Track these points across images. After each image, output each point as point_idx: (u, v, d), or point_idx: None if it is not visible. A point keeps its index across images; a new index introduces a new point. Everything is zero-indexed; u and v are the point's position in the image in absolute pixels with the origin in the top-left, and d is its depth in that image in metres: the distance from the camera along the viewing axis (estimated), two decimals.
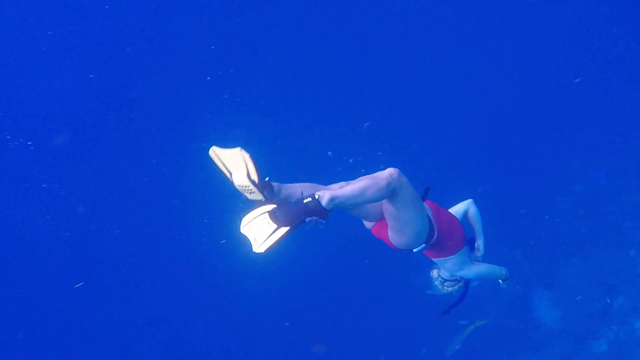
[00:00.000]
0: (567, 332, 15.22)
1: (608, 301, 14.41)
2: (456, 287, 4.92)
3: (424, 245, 4.09)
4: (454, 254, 4.47)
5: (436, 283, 4.98)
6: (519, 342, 16.18)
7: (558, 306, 16.30)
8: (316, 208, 3.07)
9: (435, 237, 4.13)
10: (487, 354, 16.85)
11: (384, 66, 20.55)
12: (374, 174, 3.41)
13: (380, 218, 4.04)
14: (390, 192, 3.44)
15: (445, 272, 4.83)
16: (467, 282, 4.88)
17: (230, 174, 3.19)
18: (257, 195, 3.20)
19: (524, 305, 17.26)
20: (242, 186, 3.18)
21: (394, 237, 3.98)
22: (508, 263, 5.32)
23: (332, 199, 3.10)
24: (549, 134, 19.43)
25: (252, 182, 3.11)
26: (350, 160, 17.33)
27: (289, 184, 3.54)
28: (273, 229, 2.99)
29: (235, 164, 3.15)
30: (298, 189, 3.44)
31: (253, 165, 3.12)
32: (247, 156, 3.11)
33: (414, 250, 4.13)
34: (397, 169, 3.47)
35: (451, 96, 20.50)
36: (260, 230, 3.02)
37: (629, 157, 17.83)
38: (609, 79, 19.55)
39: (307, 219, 3.07)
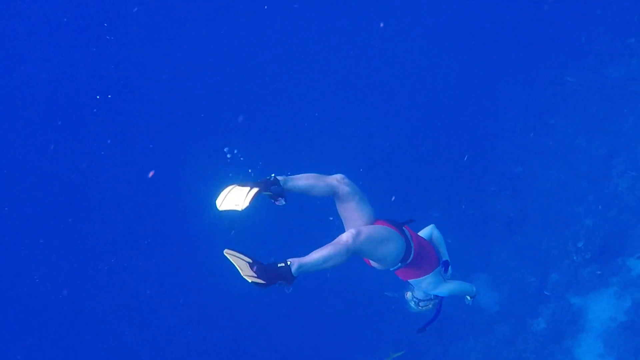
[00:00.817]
0: (506, 313, 15.38)
1: (546, 293, 14.59)
2: (430, 305, 5.18)
3: (399, 264, 4.44)
4: (429, 273, 4.76)
5: (411, 304, 5.22)
6: (460, 329, 16.24)
7: (495, 288, 16.48)
8: (286, 274, 3.33)
9: (411, 257, 4.43)
10: (430, 343, 16.86)
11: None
12: (334, 241, 3.75)
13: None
14: (352, 255, 3.79)
15: (419, 292, 5.08)
16: (440, 300, 5.15)
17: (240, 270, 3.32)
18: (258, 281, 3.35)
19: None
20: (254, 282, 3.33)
21: (373, 264, 4.46)
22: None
23: (299, 267, 3.39)
24: (475, 127, 19.92)
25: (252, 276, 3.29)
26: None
27: (294, 177, 3.86)
28: (252, 279, 3.26)
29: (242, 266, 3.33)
30: (303, 181, 3.87)
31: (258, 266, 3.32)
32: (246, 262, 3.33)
33: (391, 269, 4.53)
34: (351, 232, 3.80)
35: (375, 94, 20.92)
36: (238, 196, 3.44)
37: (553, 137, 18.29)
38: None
39: (278, 282, 3.34)
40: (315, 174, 4.00)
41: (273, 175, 3.71)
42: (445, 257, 5.14)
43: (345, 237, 3.76)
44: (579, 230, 14.74)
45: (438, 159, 20.07)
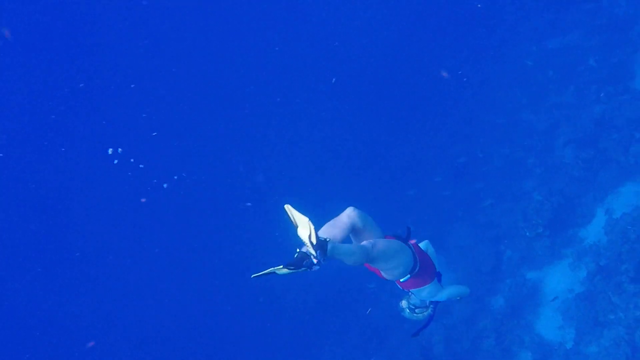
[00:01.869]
0: None
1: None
2: (426, 313, 5.53)
3: (408, 275, 4.82)
4: (429, 283, 5.11)
5: (406, 311, 5.59)
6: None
7: (451, 269, 16.37)
8: (324, 247, 3.76)
9: (417, 268, 4.83)
10: (391, 326, 16.69)
11: None
12: (361, 244, 4.31)
13: None
14: (370, 260, 4.31)
15: (415, 299, 5.43)
16: (435, 308, 5.51)
17: (297, 226, 3.70)
18: (310, 250, 3.71)
19: None
20: (303, 240, 3.70)
21: (385, 275, 4.79)
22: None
23: (333, 247, 3.85)
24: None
25: (311, 243, 3.66)
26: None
27: (341, 245, 4.07)
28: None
29: (302, 223, 3.68)
30: (345, 249, 4.07)
31: (315, 234, 3.67)
32: (312, 227, 3.67)
33: (401, 280, 4.87)
34: (370, 241, 4.29)
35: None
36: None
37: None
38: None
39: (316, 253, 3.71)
40: (330, 223, 4.37)
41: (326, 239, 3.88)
42: (438, 268, 5.39)
43: (367, 243, 4.23)
44: (529, 205, 14.64)
45: (385, 144, 20.04)
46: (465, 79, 19.44)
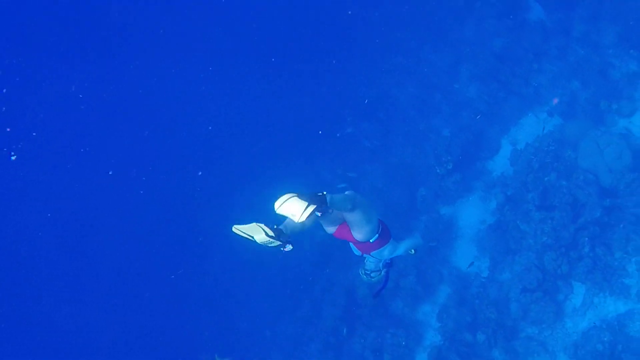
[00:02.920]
0: (387, 235, 15.37)
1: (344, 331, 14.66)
2: (381, 274, 5.96)
3: (377, 235, 5.21)
4: (390, 240, 5.56)
5: (364, 277, 6.04)
6: (339, 261, 16.17)
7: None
8: (323, 201, 4.34)
9: (380, 228, 5.28)
10: (315, 274, 16.77)
11: None
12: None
13: (340, 223, 5.11)
14: (354, 206, 4.74)
15: (370, 264, 5.86)
16: (387, 269, 5.94)
17: (252, 237, 4.18)
18: (276, 243, 4.22)
19: None
20: (264, 242, 4.21)
21: (357, 235, 5.08)
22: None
23: (331, 198, 4.44)
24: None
25: (271, 237, 4.16)
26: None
27: (335, 195, 4.64)
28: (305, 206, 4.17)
29: (253, 231, 4.16)
30: (339, 197, 4.66)
31: (268, 229, 4.15)
32: (262, 225, 4.16)
33: (371, 240, 5.20)
34: (352, 192, 4.90)
35: None
36: (296, 208, 4.17)
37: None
38: None
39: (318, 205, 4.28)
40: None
41: (324, 193, 4.46)
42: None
43: (350, 193, 4.85)
44: (438, 142, 14.82)
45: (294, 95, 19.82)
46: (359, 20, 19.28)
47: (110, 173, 19.22)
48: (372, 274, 5.93)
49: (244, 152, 20.15)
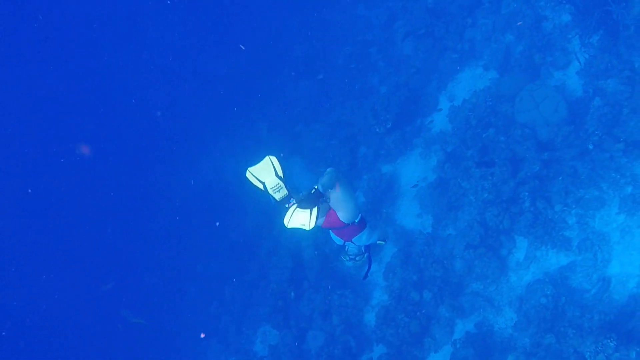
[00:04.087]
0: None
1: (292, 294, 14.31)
2: (364, 258, 6.41)
3: (359, 215, 5.70)
4: (367, 226, 5.99)
5: (349, 262, 6.42)
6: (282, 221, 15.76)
7: (311, 170, 16.04)
8: (318, 195, 4.95)
9: (360, 214, 5.75)
10: (264, 230, 16.38)
11: None
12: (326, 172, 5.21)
13: (327, 211, 5.41)
14: (335, 183, 5.17)
15: (352, 249, 6.27)
16: (369, 252, 6.41)
17: (263, 183, 4.78)
18: (283, 191, 4.78)
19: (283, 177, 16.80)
20: (273, 187, 4.80)
21: (344, 214, 5.45)
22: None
23: (321, 185, 5.00)
24: None
25: (280, 178, 4.75)
26: None
27: (323, 182, 5.12)
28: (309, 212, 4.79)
29: (265, 171, 4.83)
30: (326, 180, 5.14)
31: (278, 164, 4.77)
32: (273, 158, 4.81)
33: (356, 220, 5.66)
34: (331, 168, 5.30)
35: None
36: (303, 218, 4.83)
37: None
38: None
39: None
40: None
41: (316, 188, 4.93)
42: None
43: (331, 170, 5.27)
44: (377, 100, 14.36)
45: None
46: None
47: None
48: (356, 258, 6.35)
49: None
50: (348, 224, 5.64)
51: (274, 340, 14.66)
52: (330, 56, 17.57)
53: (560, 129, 10.67)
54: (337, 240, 6.20)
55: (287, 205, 4.82)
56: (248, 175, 4.81)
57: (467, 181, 11.41)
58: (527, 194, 10.52)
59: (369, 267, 6.52)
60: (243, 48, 19.13)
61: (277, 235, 15.85)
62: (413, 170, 13.70)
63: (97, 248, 20.48)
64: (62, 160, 21.22)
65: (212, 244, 18.91)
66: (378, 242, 6.37)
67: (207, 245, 19.23)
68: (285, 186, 4.80)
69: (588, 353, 8.45)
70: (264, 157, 4.84)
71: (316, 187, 4.92)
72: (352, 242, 6.08)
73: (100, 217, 21.08)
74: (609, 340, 8.29)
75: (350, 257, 6.37)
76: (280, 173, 4.71)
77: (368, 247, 6.36)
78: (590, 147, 10.20)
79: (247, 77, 20.67)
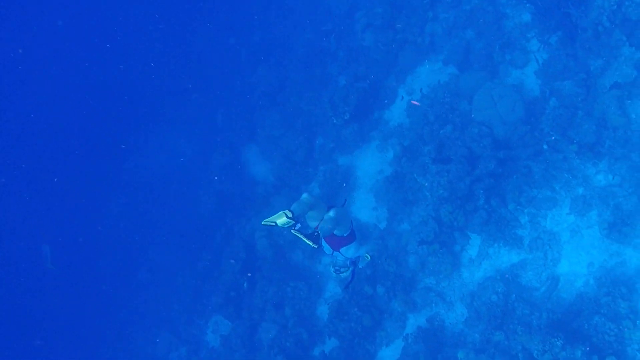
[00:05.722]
0: (282, 184, 14.79)
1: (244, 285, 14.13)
2: (348, 271, 7.01)
3: (349, 230, 6.53)
4: (354, 241, 6.70)
5: (334, 273, 7.10)
6: (244, 205, 15.52)
7: (267, 158, 15.80)
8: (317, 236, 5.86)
9: (351, 228, 6.60)
10: (217, 219, 16.11)
11: None
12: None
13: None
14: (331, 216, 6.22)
15: (340, 261, 6.96)
16: (354, 265, 6.96)
17: (275, 223, 5.75)
18: (291, 222, 5.72)
19: (237, 165, 16.55)
20: (284, 223, 5.74)
21: (338, 231, 6.41)
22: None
23: (320, 230, 6.01)
24: None
25: (290, 218, 5.71)
26: None
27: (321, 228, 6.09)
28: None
29: (278, 217, 5.76)
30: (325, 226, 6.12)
31: (289, 212, 5.78)
32: (286, 211, 5.77)
33: (345, 234, 6.51)
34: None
35: None
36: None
37: None
38: None
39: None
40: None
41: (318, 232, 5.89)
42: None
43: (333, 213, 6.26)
44: (336, 92, 14.15)
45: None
46: None
47: None
48: (341, 269, 7.00)
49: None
50: (337, 235, 6.48)
51: (225, 331, 14.46)
52: (290, 43, 17.25)
53: (517, 128, 10.68)
54: (327, 249, 6.77)
55: (292, 230, 5.77)
56: (264, 223, 5.82)
57: (423, 177, 11.32)
58: (482, 191, 10.51)
59: (351, 280, 7.09)
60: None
61: (230, 224, 15.58)
62: (370, 163, 13.58)
63: (47, 231, 19.83)
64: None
65: (164, 231, 18.52)
66: (365, 255, 7.02)
67: (159, 232, 18.83)
68: (295, 219, 5.80)
69: (536, 351, 8.51)
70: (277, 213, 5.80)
71: (318, 231, 5.86)
72: (340, 252, 6.72)
73: (49, 202, 20.40)
74: (556, 340, 8.36)
75: (336, 268, 7.02)
76: (291, 215, 5.74)
77: (354, 262, 6.95)
78: (545, 147, 10.23)
79: (203, 60, 20.22)
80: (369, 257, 7.09)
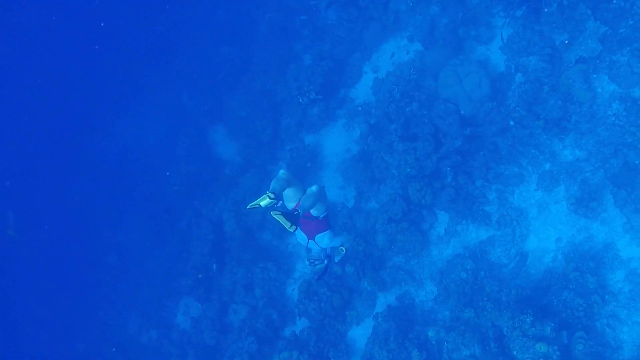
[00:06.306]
0: (249, 164, 14.38)
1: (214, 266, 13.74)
2: (323, 263, 6.88)
3: (325, 212, 6.50)
4: (329, 229, 6.63)
5: (310, 266, 6.93)
6: (207, 190, 15.11)
7: (233, 138, 15.35)
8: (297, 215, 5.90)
9: (326, 213, 6.55)
10: (184, 202, 15.66)
11: None
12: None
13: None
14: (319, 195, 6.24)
15: (315, 253, 6.80)
16: (329, 258, 6.89)
17: (260, 205, 5.68)
18: (273, 202, 5.68)
19: (204, 146, 16.09)
20: (268, 203, 5.66)
21: (315, 210, 6.34)
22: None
23: (300, 207, 6.01)
24: None
25: (272, 198, 5.65)
26: None
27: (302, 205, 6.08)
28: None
29: (262, 200, 5.68)
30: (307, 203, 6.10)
31: (272, 193, 5.69)
32: (269, 193, 5.66)
33: (321, 217, 6.47)
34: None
35: None
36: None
37: None
38: None
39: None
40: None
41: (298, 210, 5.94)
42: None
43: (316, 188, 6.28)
44: (301, 71, 13.72)
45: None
46: None
47: None
48: (316, 262, 6.85)
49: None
50: (314, 216, 6.37)
51: (195, 313, 14.10)
52: (253, 21, 16.68)
53: (483, 105, 10.43)
54: (302, 238, 6.62)
55: (275, 205, 5.82)
56: (249, 207, 5.81)
57: (390, 155, 11.04)
58: (449, 169, 10.28)
59: (324, 273, 7.08)
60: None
61: (199, 206, 15.15)
62: (336, 142, 13.24)
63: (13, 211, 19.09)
64: None
65: (131, 214, 17.99)
66: (340, 248, 6.89)
67: (126, 215, 18.29)
68: (277, 198, 5.79)
69: (505, 328, 8.37)
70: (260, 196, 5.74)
71: (298, 209, 5.90)
72: (314, 241, 6.59)
73: (16, 184, 19.66)
74: (525, 316, 8.21)
75: (311, 261, 6.88)
76: (273, 196, 5.69)
77: (329, 255, 6.88)
78: (512, 123, 10.01)
79: (167, 39, 19.54)
80: (344, 250, 6.93)
